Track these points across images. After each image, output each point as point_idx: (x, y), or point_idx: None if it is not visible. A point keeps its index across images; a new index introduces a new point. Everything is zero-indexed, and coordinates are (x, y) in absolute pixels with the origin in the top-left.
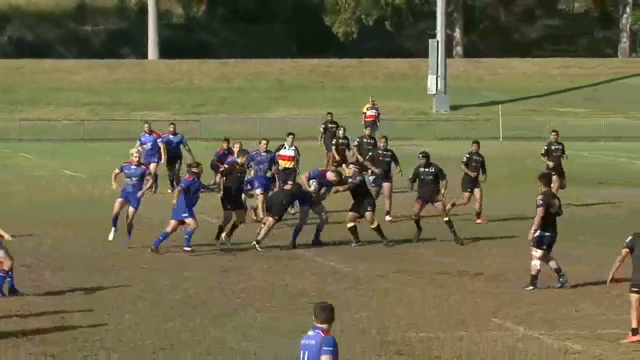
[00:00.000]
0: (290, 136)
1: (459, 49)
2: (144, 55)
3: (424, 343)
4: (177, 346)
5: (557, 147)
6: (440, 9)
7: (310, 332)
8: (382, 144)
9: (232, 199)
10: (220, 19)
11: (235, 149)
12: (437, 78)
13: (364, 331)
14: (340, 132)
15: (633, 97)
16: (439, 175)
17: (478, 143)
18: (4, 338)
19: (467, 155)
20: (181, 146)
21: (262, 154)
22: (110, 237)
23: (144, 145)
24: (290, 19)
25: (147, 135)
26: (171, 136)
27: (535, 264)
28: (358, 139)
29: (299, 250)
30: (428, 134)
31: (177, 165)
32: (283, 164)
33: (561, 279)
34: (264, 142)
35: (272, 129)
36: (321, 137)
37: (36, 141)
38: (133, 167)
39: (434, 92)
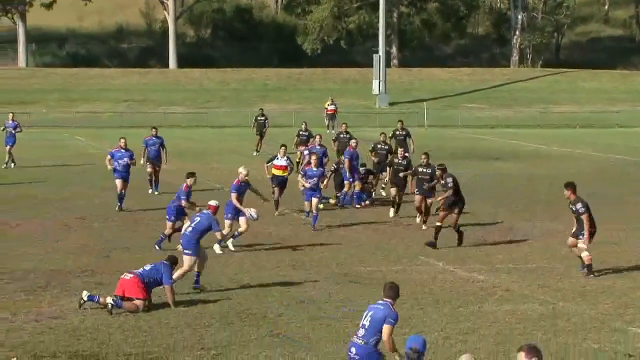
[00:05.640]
0: (283, 148)
1: (395, 61)
2: (166, 65)
3: (370, 274)
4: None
5: None
6: (381, 32)
7: (380, 301)
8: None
9: None
10: (222, 39)
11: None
12: (379, 82)
13: (327, 265)
14: (303, 125)
15: (519, 96)
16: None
17: None
18: None
19: None
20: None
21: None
22: None
23: (119, 161)
24: (273, 39)
25: (122, 150)
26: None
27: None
28: (373, 144)
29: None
30: (373, 123)
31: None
32: (278, 173)
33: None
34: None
35: None
36: (253, 126)
37: (87, 127)
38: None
39: (377, 92)
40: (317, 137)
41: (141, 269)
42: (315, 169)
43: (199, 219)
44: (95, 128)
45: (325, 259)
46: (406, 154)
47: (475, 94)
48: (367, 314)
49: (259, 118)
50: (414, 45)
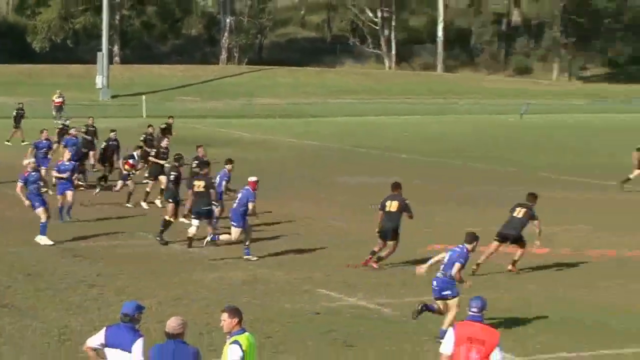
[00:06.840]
0: (139, 149)
1: (117, 59)
2: None
3: (92, 249)
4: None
5: None
6: (105, 32)
7: (459, 245)
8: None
9: None
10: None
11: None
12: (102, 78)
13: (54, 242)
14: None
15: (227, 90)
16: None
17: None
18: None
19: None
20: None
21: None
22: None
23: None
24: (3, 37)
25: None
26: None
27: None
28: (144, 135)
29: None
30: (98, 114)
31: None
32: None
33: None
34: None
35: None
36: (14, 119)
37: None
38: None
39: (100, 87)
40: (44, 132)
41: None
42: (67, 162)
43: (240, 195)
44: None
45: (52, 237)
46: (167, 145)
47: (189, 88)
48: (447, 255)
49: (19, 112)
50: (134, 44)
